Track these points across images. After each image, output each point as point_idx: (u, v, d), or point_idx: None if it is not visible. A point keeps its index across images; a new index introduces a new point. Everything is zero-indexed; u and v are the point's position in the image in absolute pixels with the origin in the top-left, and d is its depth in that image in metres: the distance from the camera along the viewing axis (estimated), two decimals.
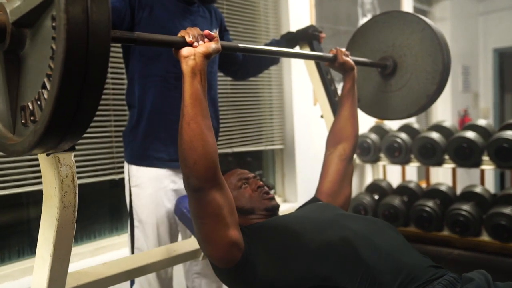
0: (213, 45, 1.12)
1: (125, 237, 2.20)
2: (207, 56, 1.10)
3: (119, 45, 1.74)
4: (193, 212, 1.16)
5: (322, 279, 1.12)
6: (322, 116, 2.05)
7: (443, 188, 3.22)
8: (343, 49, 1.62)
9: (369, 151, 3.41)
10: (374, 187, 3.55)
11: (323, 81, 1.99)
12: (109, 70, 2.14)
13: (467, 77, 5.78)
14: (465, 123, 3.75)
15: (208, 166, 1.08)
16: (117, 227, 2.22)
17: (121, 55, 1.68)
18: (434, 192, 3.22)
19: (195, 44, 1.10)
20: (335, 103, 1.98)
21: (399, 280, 1.09)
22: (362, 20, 3.70)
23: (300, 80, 3.02)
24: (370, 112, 1.98)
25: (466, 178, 4.69)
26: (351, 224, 1.25)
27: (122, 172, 2.10)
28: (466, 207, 2.94)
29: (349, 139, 1.60)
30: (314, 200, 1.56)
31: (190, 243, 1.51)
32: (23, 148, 0.78)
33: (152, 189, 1.53)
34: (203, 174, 1.08)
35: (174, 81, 1.55)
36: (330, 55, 1.59)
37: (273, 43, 1.96)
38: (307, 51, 1.98)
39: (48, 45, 0.70)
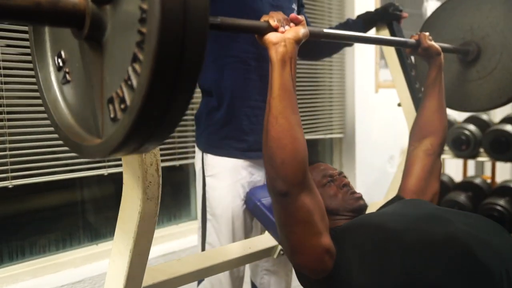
0: (302, 30, 1.00)
1: (183, 227, 2.11)
2: (297, 42, 0.99)
3: None
4: (279, 219, 1.04)
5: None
6: (399, 105, 1.89)
7: None
8: (426, 33, 1.44)
9: None
10: None
11: (403, 66, 1.82)
12: None
13: None
14: None
15: (298, 167, 0.97)
16: (175, 215, 2.13)
17: None
18: (504, 190, 2.99)
19: (281, 29, 0.99)
20: (415, 90, 1.81)
21: None
22: (427, 3, 3.46)
23: (363, 64, 2.85)
24: (450, 104, 1.79)
25: None
26: (456, 220, 1.06)
27: (183, 159, 2.02)
28: None
29: (436, 133, 1.43)
30: (398, 198, 1.40)
31: (265, 240, 1.39)
32: (110, 147, 0.64)
33: (230, 180, 1.41)
34: (292, 176, 0.96)
35: (254, 62, 1.41)
36: (413, 40, 1.42)
37: (349, 23, 1.79)
38: (385, 33, 1.81)
39: (134, 28, 0.58)
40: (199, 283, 1.50)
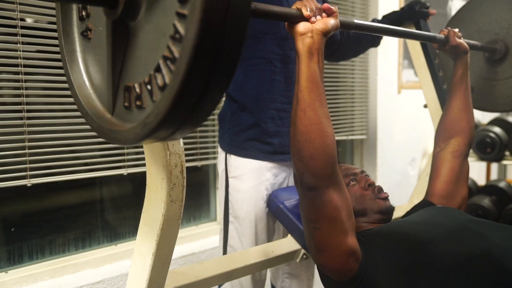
0: (332, 21, 0.96)
1: (203, 228, 2.09)
2: (325, 34, 0.95)
3: None
4: (306, 214, 1.01)
5: None
6: (425, 106, 1.83)
7: None
8: (456, 30, 1.39)
9: None
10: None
11: (430, 66, 1.76)
12: None
13: None
14: None
15: (327, 160, 0.94)
16: (194, 216, 2.10)
17: None
18: None
19: (313, 19, 0.95)
20: (443, 91, 1.75)
21: None
22: (452, 2, 3.38)
23: (385, 65, 2.79)
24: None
25: None
26: (489, 233, 1.01)
27: (204, 159, 1.99)
28: None
29: (463, 133, 1.38)
30: (426, 203, 1.34)
31: (288, 243, 1.35)
32: (128, 138, 0.63)
33: (254, 182, 1.37)
34: (320, 170, 0.94)
35: (279, 63, 1.38)
36: (442, 36, 1.37)
37: (374, 22, 1.75)
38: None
39: (169, 20, 0.55)
40: (219, 286, 1.47)
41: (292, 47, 1.42)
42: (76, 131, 1.63)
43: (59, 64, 1.60)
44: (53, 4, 1.56)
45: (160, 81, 0.57)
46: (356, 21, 1.08)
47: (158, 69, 0.58)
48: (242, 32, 0.52)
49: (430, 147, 1.83)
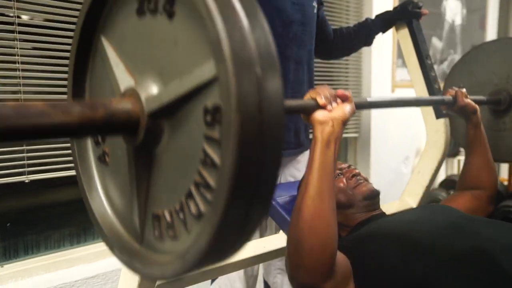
0: (348, 108, 0.95)
1: None
2: (345, 122, 0.94)
3: None
4: None
5: None
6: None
7: None
8: (463, 90, 1.37)
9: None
10: (449, 183, 3.30)
11: (422, 66, 1.79)
12: None
13: None
14: None
15: (327, 256, 0.88)
16: None
17: None
18: None
19: (329, 107, 0.93)
20: (434, 90, 1.77)
21: None
22: (446, 2, 3.41)
23: (379, 63, 2.81)
24: None
25: None
26: (483, 230, 1.02)
27: None
28: None
29: (486, 188, 1.36)
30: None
31: (280, 239, 1.38)
32: (166, 274, 0.56)
33: None
34: (319, 266, 0.87)
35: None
36: (450, 97, 1.36)
37: (367, 22, 1.77)
38: (404, 32, 1.78)
39: (197, 144, 0.51)
40: (212, 281, 1.49)
41: (287, 43, 1.44)
42: None
43: (56, 61, 1.63)
44: (49, 1, 1.58)
45: (194, 209, 0.51)
46: (369, 99, 1.09)
47: (189, 196, 0.52)
48: (278, 147, 0.48)
49: (423, 145, 1.86)
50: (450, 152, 3.18)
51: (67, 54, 1.63)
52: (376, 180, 2.88)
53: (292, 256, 0.90)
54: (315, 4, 1.54)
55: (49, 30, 1.59)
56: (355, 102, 0.99)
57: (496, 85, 1.66)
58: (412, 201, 1.80)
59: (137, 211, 0.62)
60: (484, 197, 1.35)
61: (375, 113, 2.84)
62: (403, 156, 3.11)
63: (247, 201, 0.47)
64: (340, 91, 0.96)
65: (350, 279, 0.97)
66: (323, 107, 0.93)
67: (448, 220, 1.09)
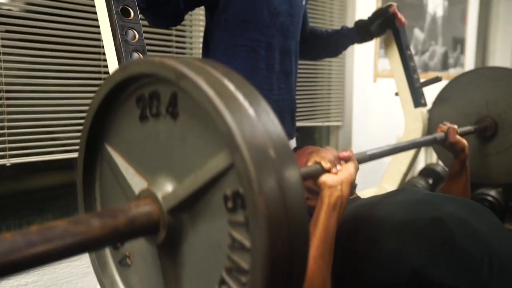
0: (352, 168, 0.96)
1: None
2: (352, 183, 0.96)
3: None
4: None
5: (411, 273, 0.94)
6: (397, 94, 1.90)
7: None
8: (455, 126, 1.41)
9: None
10: (428, 172, 3.36)
11: (402, 57, 1.83)
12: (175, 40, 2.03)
13: None
14: None
15: None
16: None
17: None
18: None
19: (333, 170, 0.95)
20: (413, 80, 1.82)
21: (507, 276, 0.91)
22: None
23: (362, 53, 2.85)
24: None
25: None
26: (444, 205, 1.07)
27: None
28: None
29: None
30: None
31: None
32: None
33: None
34: None
35: (263, 51, 1.42)
36: (442, 135, 1.39)
37: (343, 31, 1.77)
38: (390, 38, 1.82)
39: (223, 232, 0.51)
40: None
41: (274, 34, 1.45)
42: (55, 112, 1.66)
43: (39, 45, 1.62)
44: None
45: None
46: (368, 153, 1.11)
47: (223, 283, 0.52)
48: (303, 221, 0.49)
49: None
50: None
51: (48, 38, 1.63)
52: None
53: None
54: (304, 2, 1.54)
55: (30, 14, 1.58)
56: (358, 158, 1.01)
57: (479, 113, 1.71)
58: (390, 187, 1.85)
59: None
60: None
61: (357, 103, 2.89)
62: (384, 144, 3.16)
63: (283, 276, 0.47)
64: (342, 154, 0.98)
65: None
66: (328, 171, 0.95)
67: (416, 198, 1.15)
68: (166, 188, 0.56)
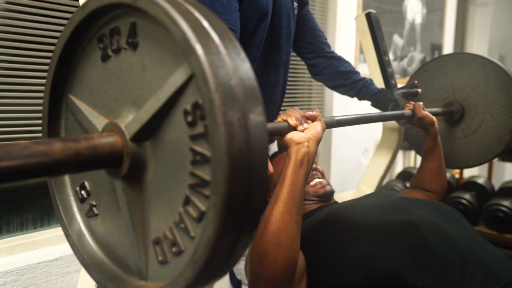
0: (319, 127, 1.00)
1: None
2: (319, 140, 0.99)
3: None
4: None
5: (386, 276, 0.97)
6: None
7: (480, 181, 3.10)
8: (421, 103, 1.47)
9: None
10: (406, 175, 3.44)
11: (380, 62, 1.87)
12: None
13: None
14: None
15: (289, 269, 0.90)
16: None
17: None
18: (470, 185, 3.11)
19: (300, 127, 0.98)
20: (391, 85, 1.87)
21: (477, 278, 0.93)
22: (408, 1, 3.54)
23: (343, 55, 2.89)
24: None
25: (500, 173, 4.58)
26: (416, 209, 1.12)
27: None
28: (506, 202, 2.83)
29: (436, 192, 1.49)
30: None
31: None
32: None
33: None
34: (280, 278, 0.89)
35: (255, 65, 1.38)
36: (409, 111, 1.46)
37: (369, 87, 1.75)
38: (367, 34, 1.86)
39: (184, 147, 0.51)
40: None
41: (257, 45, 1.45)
42: (34, 112, 1.66)
43: (20, 44, 1.62)
44: None
45: (194, 213, 0.51)
46: (336, 118, 1.14)
47: (187, 201, 0.52)
48: (262, 129, 0.50)
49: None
50: (407, 145, 3.32)
51: (29, 38, 1.63)
52: (337, 169, 2.99)
53: (254, 266, 0.91)
54: (295, 5, 1.49)
55: (10, 13, 1.58)
56: (325, 121, 1.05)
57: (446, 99, 1.78)
58: (367, 190, 1.90)
59: (137, 246, 0.60)
60: (434, 197, 1.47)
61: (336, 106, 2.94)
62: (363, 147, 3.22)
63: (245, 180, 0.47)
64: (308, 113, 1.02)
65: (304, 273, 1.02)
66: (294, 128, 0.98)
67: (389, 201, 1.19)
68: (129, 117, 0.57)
